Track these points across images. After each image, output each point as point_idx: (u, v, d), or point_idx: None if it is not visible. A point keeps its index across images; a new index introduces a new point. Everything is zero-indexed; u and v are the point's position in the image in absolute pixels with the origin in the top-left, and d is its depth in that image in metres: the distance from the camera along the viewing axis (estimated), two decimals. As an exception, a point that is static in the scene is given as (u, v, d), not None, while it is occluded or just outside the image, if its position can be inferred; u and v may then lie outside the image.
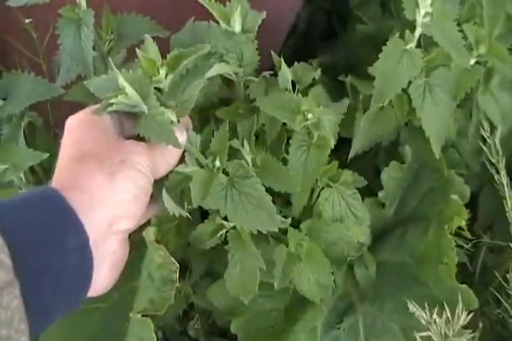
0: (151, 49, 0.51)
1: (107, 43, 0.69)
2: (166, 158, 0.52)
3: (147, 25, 0.70)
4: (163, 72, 0.52)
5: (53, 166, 0.69)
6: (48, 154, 0.60)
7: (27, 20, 0.73)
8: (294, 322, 0.69)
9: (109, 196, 0.46)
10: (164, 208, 0.53)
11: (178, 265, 0.57)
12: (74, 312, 0.51)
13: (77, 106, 0.72)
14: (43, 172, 0.68)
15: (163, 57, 0.71)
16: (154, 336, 0.55)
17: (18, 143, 0.62)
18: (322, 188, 0.65)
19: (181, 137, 0.51)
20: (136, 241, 0.59)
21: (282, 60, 0.65)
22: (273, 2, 0.81)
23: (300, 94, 0.63)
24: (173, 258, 0.57)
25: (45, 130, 0.70)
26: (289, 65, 0.75)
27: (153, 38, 0.71)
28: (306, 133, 0.61)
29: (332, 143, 0.60)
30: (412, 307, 0.56)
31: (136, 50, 0.51)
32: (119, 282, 0.59)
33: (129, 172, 0.48)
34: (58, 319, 0.48)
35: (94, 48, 0.66)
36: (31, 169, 0.64)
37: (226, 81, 0.68)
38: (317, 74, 0.69)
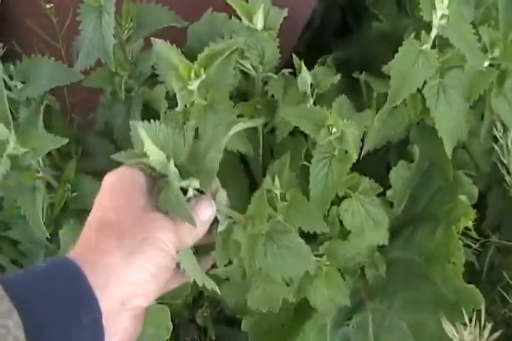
0: (174, 52, 0.51)
1: (126, 31, 0.70)
2: (194, 230, 0.50)
3: (166, 14, 0.71)
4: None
5: (70, 150, 0.71)
6: (66, 139, 0.60)
7: (48, 6, 0.73)
8: (304, 320, 0.70)
9: (126, 275, 0.45)
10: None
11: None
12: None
13: (93, 92, 0.74)
14: (59, 156, 0.69)
15: (179, 46, 0.73)
16: (171, 324, 0.56)
17: (38, 128, 0.63)
18: (342, 198, 0.65)
19: (209, 210, 0.51)
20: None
21: (303, 63, 0.66)
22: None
23: (325, 107, 0.63)
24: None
25: (61, 114, 0.71)
26: (304, 60, 0.76)
27: (170, 27, 0.74)
28: (329, 145, 0.61)
29: (355, 157, 0.61)
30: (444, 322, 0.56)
31: (169, 55, 0.52)
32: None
33: (149, 252, 0.47)
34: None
35: (114, 36, 0.67)
36: (48, 153, 0.65)
37: (245, 75, 0.69)
38: (336, 78, 0.70)
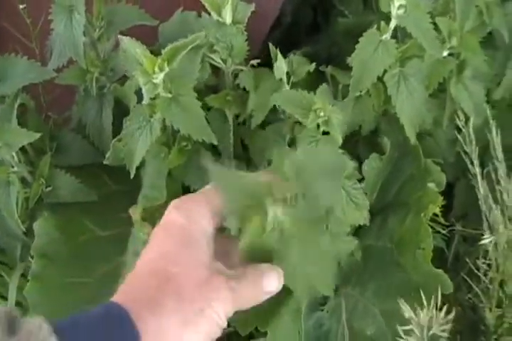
0: (139, 47, 0.53)
1: (98, 30, 0.72)
2: (255, 298, 0.50)
3: (136, 13, 0.73)
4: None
5: (44, 146, 0.73)
6: (39, 134, 0.63)
7: (21, 6, 0.75)
8: (280, 304, 0.72)
9: None
10: None
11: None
12: (61, 286, 0.53)
13: (68, 90, 0.76)
14: (33, 152, 0.71)
15: (152, 44, 0.76)
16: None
17: (11, 123, 0.64)
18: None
19: (277, 282, 0.50)
20: (124, 218, 0.62)
21: (278, 51, 0.68)
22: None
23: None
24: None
25: (36, 112, 0.73)
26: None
27: (142, 26, 0.76)
28: (315, 129, 0.63)
29: (340, 141, 0.63)
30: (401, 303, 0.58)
31: (135, 50, 0.54)
32: (106, 257, 0.63)
33: (203, 326, 0.46)
34: (46, 293, 0.51)
35: (85, 34, 0.70)
36: (23, 149, 0.67)
37: (215, 69, 0.72)
38: (312, 66, 0.72)
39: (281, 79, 0.67)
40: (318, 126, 0.63)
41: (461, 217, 0.85)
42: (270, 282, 0.50)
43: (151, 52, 0.60)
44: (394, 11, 0.66)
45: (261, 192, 0.47)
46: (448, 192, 0.87)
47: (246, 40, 0.67)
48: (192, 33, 0.74)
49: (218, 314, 0.46)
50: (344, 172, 0.65)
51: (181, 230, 0.48)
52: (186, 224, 0.48)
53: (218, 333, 0.47)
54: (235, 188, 0.47)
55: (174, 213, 0.49)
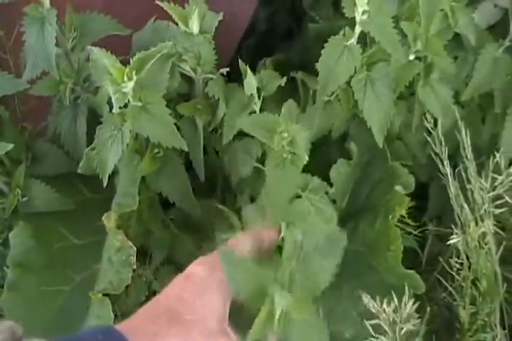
0: (108, 57, 0.54)
1: (71, 41, 0.73)
2: None
3: (108, 23, 0.74)
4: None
5: (20, 157, 0.74)
6: (13, 145, 0.64)
7: (-6, 19, 0.76)
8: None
9: None
10: None
11: (135, 249, 0.60)
12: (37, 295, 0.54)
13: (43, 101, 0.77)
14: (10, 162, 0.72)
15: (126, 54, 0.77)
16: (112, 315, 0.58)
17: (-15, 135, 0.66)
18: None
19: None
20: (99, 226, 0.63)
21: (248, 67, 0.69)
22: (229, 4, 0.86)
23: (276, 114, 0.65)
24: (130, 242, 0.60)
25: (12, 123, 0.74)
26: (249, 63, 0.80)
27: (117, 35, 0.77)
28: (281, 150, 0.63)
29: (305, 159, 0.64)
30: (364, 296, 0.59)
31: (104, 62, 0.55)
32: (81, 265, 0.64)
33: None
34: (22, 302, 0.51)
35: (58, 45, 0.71)
36: (-1, 160, 0.68)
37: (186, 78, 0.73)
38: (282, 81, 0.73)
39: (251, 95, 0.68)
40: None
41: (436, 217, 0.87)
42: None
43: (125, 62, 0.62)
44: (358, 17, 0.67)
45: (266, 279, 0.49)
46: (423, 193, 0.89)
47: (214, 48, 0.68)
48: (164, 42, 0.76)
49: None
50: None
51: (202, 280, 0.49)
52: (208, 275, 0.50)
53: None
54: (243, 278, 0.48)
55: (198, 266, 0.50)
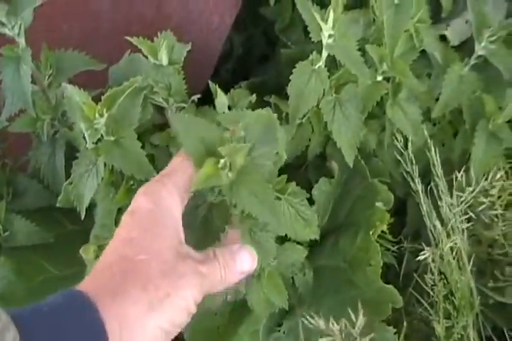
0: (81, 95, 0.56)
1: (47, 77, 0.75)
2: (226, 279, 0.50)
3: (83, 59, 0.76)
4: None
5: (1, 192, 0.75)
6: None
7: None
8: (238, 324, 0.74)
9: (139, 330, 0.44)
10: None
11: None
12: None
13: (22, 137, 0.79)
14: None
15: (104, 86, 0.79)
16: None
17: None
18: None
19: (251, 262, 0.51)
20: (79, 257, 0.65)
21: (217, 86, 0.71)
22: (200, 33, 0.88)
23: None
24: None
25: (-8, 159, 0.76)
26: (227, 87, 0.82)
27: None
28: None
29: (284, 158, 0.66)
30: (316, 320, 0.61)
31: (76, 99, 0.57)
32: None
33: (169, 311, 0.45)
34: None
35: (34, 82, 0.73)
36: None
37: (159, 108, 0.75)
38: (253, 98, 0.76)
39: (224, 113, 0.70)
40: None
41: (414, 232, 0.89)
42: (243, 262, 0.50)
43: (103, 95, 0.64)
44: (324, 41, 0.69)
45: (216, 138, 0.50)
46: (402, 209, 0.91)
47: (184, 78, 0.70)
48: (138, 74, 0.78)
49: (185, 298, 0.46)
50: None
51: (148, 215, 0.48)
52: (153, 209, 0.48)
53: (184, 318, 0.47)
54: (193, 135, 0.49)
55: (141, 198, 0.49)
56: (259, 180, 0.51)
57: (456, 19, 1.12)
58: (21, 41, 0.71)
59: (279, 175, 0.68)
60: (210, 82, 0.72)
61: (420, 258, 0.68)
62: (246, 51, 1.09)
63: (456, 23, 1.04)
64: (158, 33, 0.71)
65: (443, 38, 1.01)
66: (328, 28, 0.66)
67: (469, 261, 0.72)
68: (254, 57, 1.09)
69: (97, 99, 0.68)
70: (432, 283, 0.68)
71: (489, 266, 0.81)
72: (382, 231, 0.76)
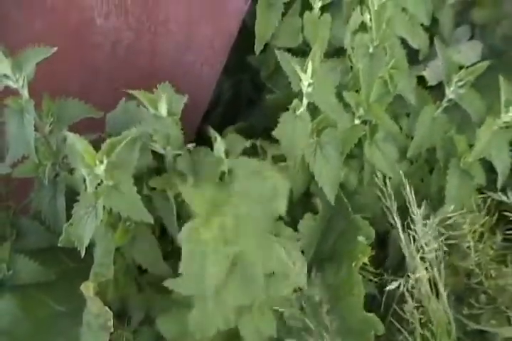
0: (82, 143, 0.62)
1: (48, 125, 0.81)
2: None
3: (82, 108, 0.82)
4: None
5: (5, 233, 0.80)
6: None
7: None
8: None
9: None
10: None
11: (111, 313, 0.65)
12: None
13: (24, 180, 0.84)
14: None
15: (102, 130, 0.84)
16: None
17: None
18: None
19: None
20: (80, 293, 0.69)
21: (218, 135, 0.76)
22: (192, 83, 0.95)
23: None
24: (107, 308, 0.65)
25: (-3, 203, 0.81)
26: (218, 129, 0.87)
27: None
28: None
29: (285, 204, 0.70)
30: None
31: (78, 147, 0.63)
32: (64, 331, 0.69)
33: None
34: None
35: (36, 130, 0.78)
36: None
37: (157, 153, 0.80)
38: (248, 143, 0.81)
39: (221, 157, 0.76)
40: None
41: (396, 263, 0.94)
42: None
43: (100, 140, 0.69)
44: (304, 89, 0.76)
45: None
46: (385, 241, 0.96)
47: (182, 128, 0.76)
48: (134, 121, 0.84)
49: None
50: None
51: None
52: None
53: None
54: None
55: None
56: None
57: (434, 60, 1.20)
58: (24, 93, 0.76)
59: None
60: (211, 129, 0.77)
61: (391, 287, 0.72)
62: (234, 95, 1.16)
63: (434, 64, 1.12)
64: (155, 85, 0.77)
65: (421, 78, 1.09)
66: (307, 78, 0.72)
67: (447, 290, 0.77)
68: (242, 101, 1.16)
69: (95, 143, 0.74)
70: (411, 312, 0.73)
71: (467, 294, 0.86)
72: (365, 263, 0.80)
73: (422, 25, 1.04)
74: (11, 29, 1.00)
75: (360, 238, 0.81)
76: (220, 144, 0.76)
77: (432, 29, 1.22)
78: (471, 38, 1.27)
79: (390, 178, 0.85)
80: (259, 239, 0.60)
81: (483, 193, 0.90)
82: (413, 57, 1.08)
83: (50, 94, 0.82)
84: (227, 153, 0.79)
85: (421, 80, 1.05)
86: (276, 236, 0.74)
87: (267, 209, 0.60)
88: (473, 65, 1.15)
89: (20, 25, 1.00)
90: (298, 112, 0.77)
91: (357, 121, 0.82)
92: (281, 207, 0.69)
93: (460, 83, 0.89)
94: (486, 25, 1.29)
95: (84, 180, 0.70)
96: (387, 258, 0.93)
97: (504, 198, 0.87)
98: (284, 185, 0.65)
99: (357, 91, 0.83)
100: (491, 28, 1.28)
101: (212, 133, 0.78)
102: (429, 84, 1.04)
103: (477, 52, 1.24)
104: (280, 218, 0.76)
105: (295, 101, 0.77)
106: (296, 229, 0.84)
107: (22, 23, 0.99)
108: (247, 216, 0.57)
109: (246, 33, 0.97)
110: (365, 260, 0.80)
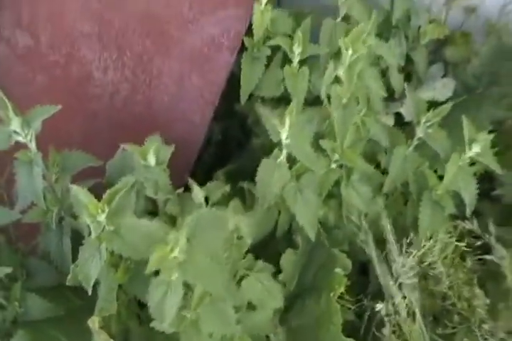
0: (85, 194, 0.70)
1: (54, 175, 0.89)
2: None
3: (84, 158, 0.91)
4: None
5: (16, 274, 0.88)
6: (11, 268, 0.78)
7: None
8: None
9: None
10: None
11: (116, 345, 0.73)
12: None
13: (33, 225, 0.92)
14: (7, 279, 0.85)
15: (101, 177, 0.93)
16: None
17: (-15, 259, 0.80)
18: (242, 278, 0.83)
19: None
20: (87, 327, 0.77)
21: (194, 183, 0.86)
22: (184, 129, 1.05)
23: None
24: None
25: (7, 246, 0.89)
26: (210, 169, 0.96)
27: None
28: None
29: (249, 242, 0.79)
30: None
31: (82, 198, 0.71)
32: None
33: None
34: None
35: (44, 178, 0.87)
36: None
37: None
38: (226, 189, 0.90)
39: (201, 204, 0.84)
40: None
41: (376, 290, 1.01)
42: None
43: (100, 186, 0.77)
44: (283, 140, 0.85)
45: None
46: (367, 270, 1.04)
47: (171, 169, 0.85)
48: (131, 167, 0.93)
49: None
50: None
51: None
52: None
53: None
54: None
55: None
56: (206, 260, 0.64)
57: (412, 95, 1.29)
58: (32, 147, 0.84)
59: (255, 249, 0.82)
60: (189, 179, 0.86)
61: (368, 313, 0.80)
62: (225, 138, 1.25)
63: (409, 101, 1.21)
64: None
65: (399, 115, 1.18)
66: (284, 131, 0.82)
67: (424, 312, 0.85)
68: (232, 144, 1.25)
69: (95, 187, 0.83)
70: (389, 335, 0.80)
71: (443, 315, 0.94)
72: (342, 293, 0.89)
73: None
74: (15, 83, 1.10)
75: (338, 270, 0.90)
76: (197, 192, 0.85)
77: (408, 68, 1.33)
78: (445, 75, 1.38)
79: (366, 215, 0.94)
80: (222, 278, 0.68)
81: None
82: (391, 94, 1.18)
83: (54, 145, 0.91)
84: (207, 199, 0.88)
85: (398, 115, 1.16)
86: (249, 270, 0.82)
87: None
88: (443, 102, 1.27)
89: (24, 80, 1.10)
90: (278, 160, 0.86)
91: (333, 165, 0.91)
92: (245, 246, 0.78)
93: (428, 124, 0.98)
94: (458, 63, 1.40)
95: (88, 226, 0.79)
96: (369, 284, 1.02)
97: (471, 226, 0.96)
98: (247, 227, 0.75)
99: (334, 138, 0.92)
100: (463, 65, 1.39)
101: (190, 182, 0.87)
102: (406, 120, 1.14)
103: (450, 89, 1.34)
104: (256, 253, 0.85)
105: (275, 151, 0.86)
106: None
107: (25, 78, 1.09)
108: (208, 260, 0.66)
109: (234, 82, 1.07)
110: (342, 289, 0.88)
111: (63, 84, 1.09)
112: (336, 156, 0.90)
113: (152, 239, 0.72)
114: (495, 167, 0.96)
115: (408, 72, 1.34)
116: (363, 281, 1.02)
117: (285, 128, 0.82)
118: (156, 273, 0.67)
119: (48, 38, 1.08)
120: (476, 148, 0.94)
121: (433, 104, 1.13)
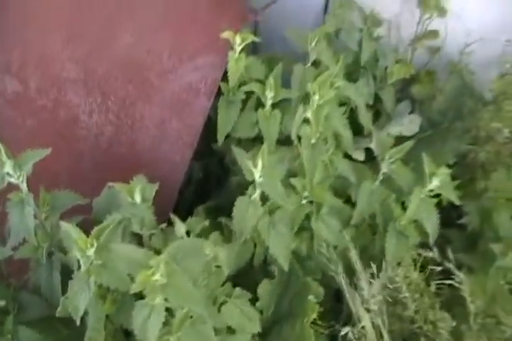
0: (75, 230, 0.77)
1: (44, 213, 0.96)
2: None
3: (72, 197, 0.97)
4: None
5: (8, 307, 0.93)
6: (4, 302, 0.84)
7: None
8: None
9: None
10: None
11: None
12: None
13: (24, 260, 0.98)
14: (1, 315, 0.91)
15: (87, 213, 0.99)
16: None
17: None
18: (221, 304, 0.90)
19: None
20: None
21: (176, 218, 0.93)
22: (165, 169, 1.12)
23: None
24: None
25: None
26: (191, 205, 1.03)
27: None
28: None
29: (226, 273, 0.86)
30: None
31: (71, 234, 0.77)
32: None
33: None
34: None
35: (35, 217, 0.93)
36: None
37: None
38: (206, 223, 0.98)
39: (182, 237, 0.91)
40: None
41: (349, 316, 1.08)
42: None
43: (88, 221, 0.83)
44: (256, 179, 0.92)
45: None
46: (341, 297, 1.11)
47: (154, 212, 0.92)
48: (117, 204, 0.99)
49: None
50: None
51: None
52: None
53: None
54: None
55: None
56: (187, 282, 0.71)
57: (380, 132, 1.38)
58: (24, 188, 0.90)
59: (234, 278, 0.89)
60: (171, 214, 0.93)
61: (340, 335, 0.87)
62: (205, 176, 1.32)
63: (379, 136, 1.30)
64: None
65: (369, 149, 1.27)
66: (257, 171, 0.89)
67: (392, 336, 0.91)
68: (212, 180, 1.32)
69: (83, 223, 0.89)
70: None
71: (412, 338, 1.01)
72: (315, 319, 0.95)
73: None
74: (5, 127, 1.17)
75: (310, 297, 0.96)
76: (179, 227, 0.92)
77: (377, 106, 1.42)
78: (412, 111, 1.47)
79: (335, 247, 1.01)
80: (202, 299, 0.74)
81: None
82: (361, 130, 1.27)
83: (42, 184, 0.97)
84: (188, 233, 0.95)
85: (369, 150, 1.24)
86: (228, 297, 0.89)
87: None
88: (411, 137, 1.37)
89: (14, 124, 1.17)
90: (252, 197, 0.93)
91: (304, 201, 0.99)
92: (223, 274, 0.85)
93: (391, 160, 1.06)
94: (424, 100, 1.50)
95: (78, 260, 0.85)
96: (343, 310, 1.08)
97: (431, 254, 1.03)
98: (225, 258, 0.83)
99: (304, 175, 1.00)
100: (428, 102, 1.49)
101: (173, 217, 0.94)
102: (376, 154, 1.22)
103: (417, 124, 1.44)
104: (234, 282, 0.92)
105: (250, 189, 0.93)
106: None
107: (15, 122, 1.16)
108: (189, 283, 0.72)
109: (211, 124, 1.15)
110: (315, 316, 0.95)
111: (51, 127, 1.17)
112: (306, 193, 0.98)
113: (137, 264, 0.78)
114: (454, 198, 1.04)
115: (377, 109, 1.43)
116: (338, 308, 1.08)
117: (258, 169, 0.90)
118: (141, 298, 0.74)
119: (36, 84, 1.15)
120: (435, 182, 1.01)
121: (401, 139, 1.23)
